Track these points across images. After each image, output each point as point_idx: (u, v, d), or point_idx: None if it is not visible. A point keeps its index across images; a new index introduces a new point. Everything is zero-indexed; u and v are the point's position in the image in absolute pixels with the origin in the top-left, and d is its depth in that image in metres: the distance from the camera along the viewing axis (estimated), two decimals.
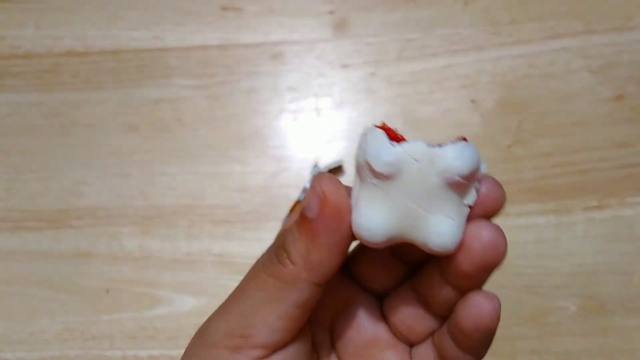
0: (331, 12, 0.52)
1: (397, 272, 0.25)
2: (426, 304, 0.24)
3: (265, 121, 0.50)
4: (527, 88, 0.50)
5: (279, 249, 0.23)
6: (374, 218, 0.22)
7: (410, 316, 0.25)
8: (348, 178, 0.48)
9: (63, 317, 0.46)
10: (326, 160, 0.48)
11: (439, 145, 0.22)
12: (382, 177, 0.21)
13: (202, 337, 0.24)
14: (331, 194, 0.22)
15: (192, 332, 0.47)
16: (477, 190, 0.22)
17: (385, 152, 0.21)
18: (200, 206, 0.48)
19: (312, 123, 0.50)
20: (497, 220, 0.22)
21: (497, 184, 0.22)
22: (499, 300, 0.22)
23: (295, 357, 0.23)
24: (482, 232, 0.21)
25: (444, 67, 0.50)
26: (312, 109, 0.50)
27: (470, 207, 0.22)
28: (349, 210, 0.22)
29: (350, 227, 0.22)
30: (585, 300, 0.45)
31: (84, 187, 0.49)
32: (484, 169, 0.22)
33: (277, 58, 0.51)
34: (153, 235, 0.47)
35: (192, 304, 0.46)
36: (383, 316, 0.26)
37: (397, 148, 0.21)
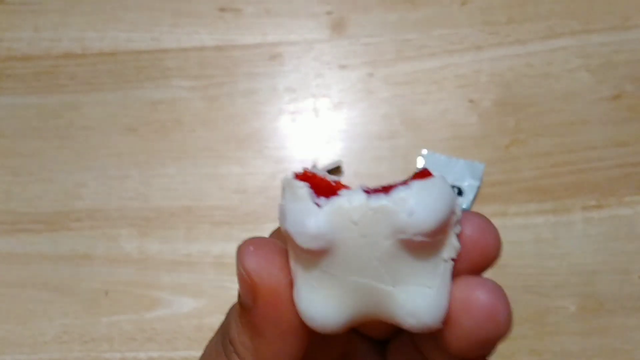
0: (329, 13, 0.52)
1: None
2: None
3: (264, 122, 0.50)
4: (525, 88, 0.50)
5: (225, 341, 0.18)
6: (319, 304, 0.16)
7: None
8: (347, 179, 0.48)
9: (62, 320, 0.46)
10: (325, 161, 0.48)
11: (388, 188, 0.16)
12: (312, 253, 0.16)
13: None
14: (261, 277, 0.16)
15: (191, 334, 0.47)
16: (459, 236, 0.17)
17: (308, 221, 0.15)
18: (199, 207, 0.48)
19: (311, 124, 0.50)
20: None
21: (486, 223, 0.17)
22: None
23: None
24: (472, 299, 0.16)
25: (441, 67, 0.50)
26: (311, 109, 0.50)
27: (452, 259, 0.17)
28: (290, 291, 0.17)
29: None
30: (584, 299, 0.45)
31: (83, 189, 0.49)
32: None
33: (275, 59, 0.51)
34: (152, 237, 0.47)
35: (191, 306, 0.46)
36: None
37: (325, 211, 0.15)
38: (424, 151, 0.48)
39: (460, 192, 0.46)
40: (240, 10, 0.52)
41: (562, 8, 0.51)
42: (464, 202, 0.46)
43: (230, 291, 0.45)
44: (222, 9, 0.52)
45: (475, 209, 0.46)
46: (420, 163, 0.48)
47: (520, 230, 0.46)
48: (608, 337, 0.44)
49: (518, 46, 0.50)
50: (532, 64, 0.50)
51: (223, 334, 0.19)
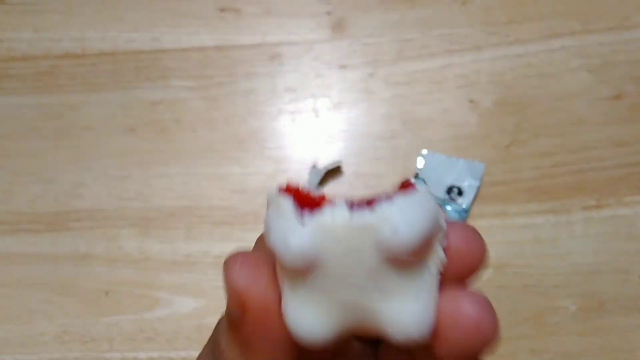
0: (329, 13, 0.52)
1: None
2: None
3: (264, 122, 0.50)
4: (525, 88, 0.50)
5: (215, 351, 0.18)
6: (306, 319, 0.16)
7: None
8: (347, 180, 0.48)
9: (62, 320, 0.46)
10: (325, 161, 0.48)
11: (372, 202, 0.16)
12: (298, 271, 0.16)
13: None
14: (248, 292, 0.16)
15: (191, 334, 0.47)
16: (444, 248, 0.16)
17: (292, 240, 0.15)
18: (199, 207, 0.48)
19: (311, 124, 0.50)
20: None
21: (471, 232, 0.17)
22: None
23: None
24: (459, 312, 0.16)
25: (442, 67, 0.50)
26: (311, 109, 0.50)
27: (438, 272, 0.17)
28: (278, 304, 0.17)
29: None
30: (584, 299, 0.45)
31: (83, 189, 0.49)
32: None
33: (275, 59, 0.51)
34: (152, 237, 0.47)
35: (192, 306, 0.46)
36: None
37: (308, 228, 0.15)
38: (424, 151, 0.48)
39: (460, 192, 0.46)
40: (240, 10, 0.52)
41: (562, 8, 0.51)
42: (463, 202, 0.46)
43: None
44: (222, 9, 0.52)
45: (475, 209, 0.46)
46: (420, 163, 0.48)
47: (520, 230, 0.46)
48: (608, 337, 0.44)
49: (518, 46, 0.50)
50: (532, 64, 0.50)
51: (214, 344, 0.19)
